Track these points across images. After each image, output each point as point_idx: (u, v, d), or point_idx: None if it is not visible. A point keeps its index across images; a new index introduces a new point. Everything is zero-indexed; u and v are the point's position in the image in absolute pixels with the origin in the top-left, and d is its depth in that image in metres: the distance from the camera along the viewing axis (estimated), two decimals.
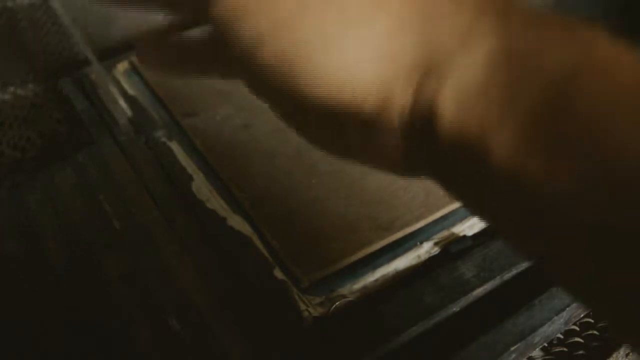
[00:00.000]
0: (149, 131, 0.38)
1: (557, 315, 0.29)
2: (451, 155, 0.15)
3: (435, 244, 0.31)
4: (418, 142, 0.16)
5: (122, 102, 0.40)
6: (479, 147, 0.14)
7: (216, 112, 0.39)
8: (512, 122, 0.14)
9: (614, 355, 0.32)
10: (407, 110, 0.16)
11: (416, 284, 0.29)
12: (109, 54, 0.44)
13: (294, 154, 0.35)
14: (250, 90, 0.19)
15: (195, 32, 0.21)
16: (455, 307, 0.29)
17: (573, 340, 0.33)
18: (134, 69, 0.43)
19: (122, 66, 0.43)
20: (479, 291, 0.29)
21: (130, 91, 0.41)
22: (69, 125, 0.47)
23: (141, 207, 0.34)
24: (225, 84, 0.39)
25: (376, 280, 0.30)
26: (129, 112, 0.40)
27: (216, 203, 0.33)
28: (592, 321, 0.33)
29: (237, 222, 0.32)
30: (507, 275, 0.30)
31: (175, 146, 0.37)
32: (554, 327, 0.30)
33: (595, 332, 0.33)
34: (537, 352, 0.32)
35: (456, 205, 0.32)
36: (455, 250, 0.31)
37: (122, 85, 0.42)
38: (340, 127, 0.17)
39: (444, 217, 0.32)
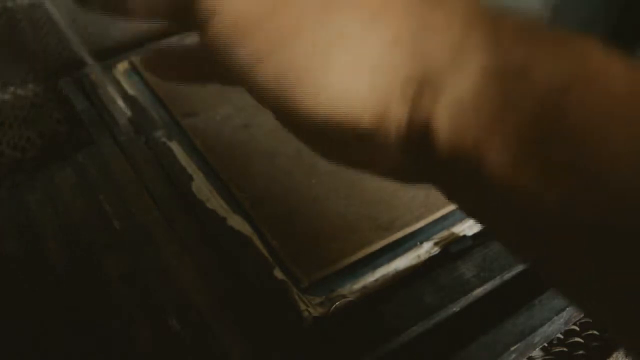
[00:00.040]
0: (149, 131, 0.38)
1: (557, 315, 0.29)
2: (448, 167, 0.16)
3: (435, 244, 0.31)
4: (415, 155, 0.16)
5: (122, 102, 0.40)
6: (474, 161, 0.15)
7: (216, 112, 0.39)
8: (504, 137, 0.14)
9: (614, 355, 0.32)
10: (403, 125, 0.16)
11: (416, 284, 0.29)
12: (109, 54, 0.44)
13: (294, 154, 0.35)
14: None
15: (195, 39, 0.21)
16: (455, 307, 0.29)
17: (573, 340, 0.33)
18: (133, 69, 0.43)
19: (122, 66, 0.43)
20: (479, 291, 0.29)
21: (130, 91, 0.41)
22: (69, 125, 0.47)
23: (141, 207, 0.34)
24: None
25: (376, 280, 0.30)
26: (128, 112, 0.40)
27: (216, 203, 0.33)
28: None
29: (237, 222, 0.32)
30: (507, 275, 0.30)
31: (175, 146, 0.37)
32: (554, 327, 0.30)
33: (595, 332, 0.33)
34: (537, 352, 0.32)
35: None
36: (455, 250, 0.31)
37: (122, 85, 0.42)
38: (338, 140, 0.17)
39: (444, 217, 0.32)
